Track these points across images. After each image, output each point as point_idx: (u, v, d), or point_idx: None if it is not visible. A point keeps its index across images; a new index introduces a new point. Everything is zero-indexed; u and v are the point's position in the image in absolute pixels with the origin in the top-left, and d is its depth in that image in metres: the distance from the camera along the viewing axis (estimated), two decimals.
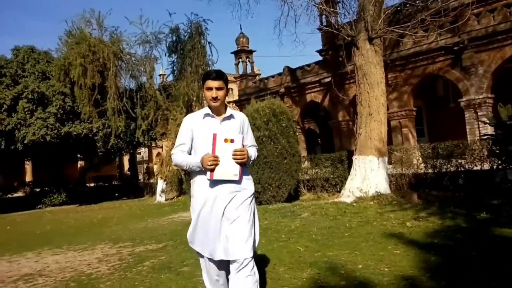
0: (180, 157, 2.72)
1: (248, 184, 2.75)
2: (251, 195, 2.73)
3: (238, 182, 2.63)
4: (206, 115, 2.74)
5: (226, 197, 2.61)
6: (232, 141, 2.58)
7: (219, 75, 2.70)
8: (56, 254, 6.42)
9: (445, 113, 18.26)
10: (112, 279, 4.44)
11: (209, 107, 2.75)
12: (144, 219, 10.21)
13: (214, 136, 2.56)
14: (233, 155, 2.56)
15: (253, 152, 2.82)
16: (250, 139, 2.88)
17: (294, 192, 9.98)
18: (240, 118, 2.83)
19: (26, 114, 16.27)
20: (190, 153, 2.76)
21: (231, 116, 2.77)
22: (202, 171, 2.62)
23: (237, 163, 2.58)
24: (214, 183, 2.60)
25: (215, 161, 2.54)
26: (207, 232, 2.64)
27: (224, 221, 2.61)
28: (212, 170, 2.55)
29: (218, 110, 2.74)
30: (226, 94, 2.74)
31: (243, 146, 2.64)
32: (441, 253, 4.04)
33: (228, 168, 2.57)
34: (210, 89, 2.68)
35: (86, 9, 18.09)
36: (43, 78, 17.18)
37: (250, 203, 2.70)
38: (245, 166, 2.76)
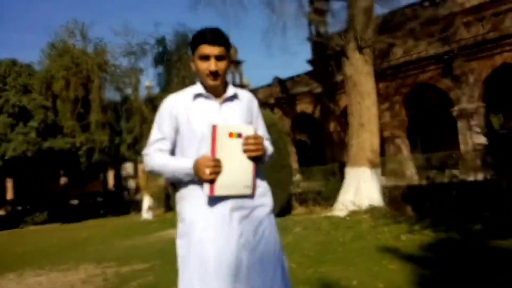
0: (159, 159, 1.75)
1: (265, 198, 1.81)
2: (269, 213, 1.81)
3: (251, 197, 1.74)
4: (198, 96, 1.79)
5: (237, 223, 1.69)
6: (239, 135, 1.69)
7: (219, 38, 1.74)
8: (39, 275, 6.15)
9: (438, 122, 18.18)
10: None
11: (203, 84, 1.81)
12: (130, 237, 10.02)
13: (214, 129, 1.65)
14: (244, 144, 1.67)
15: (269, 147, 1.88)
16: (261, 130, 1.94)
17: (286, 205, 9.83)
18: (247, 99, 1.91)
19: (7, 129, 15.80)
20: (173, 154, 1.81)
21: (234, 97, 1.84)
22: (196, 181, 1.69)
23: (249, 157, 1.69)
24: (216, 200, 1.68)
25: (217, 167, 1.63)
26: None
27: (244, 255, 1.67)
28: (212, 182, 1.65)
29: (216, 89, 1.80)
30: (229, 66, 1.84)
31: None
32: (436, 267, 4.01)
33: (236, 178, 1.70)
34: (205, 57, 1.73)
35: (70, 20, 17.78)
36: (25, 92, 16.78)
37: (274, 232, 1.81)
38: (259, 169, 1.83)
